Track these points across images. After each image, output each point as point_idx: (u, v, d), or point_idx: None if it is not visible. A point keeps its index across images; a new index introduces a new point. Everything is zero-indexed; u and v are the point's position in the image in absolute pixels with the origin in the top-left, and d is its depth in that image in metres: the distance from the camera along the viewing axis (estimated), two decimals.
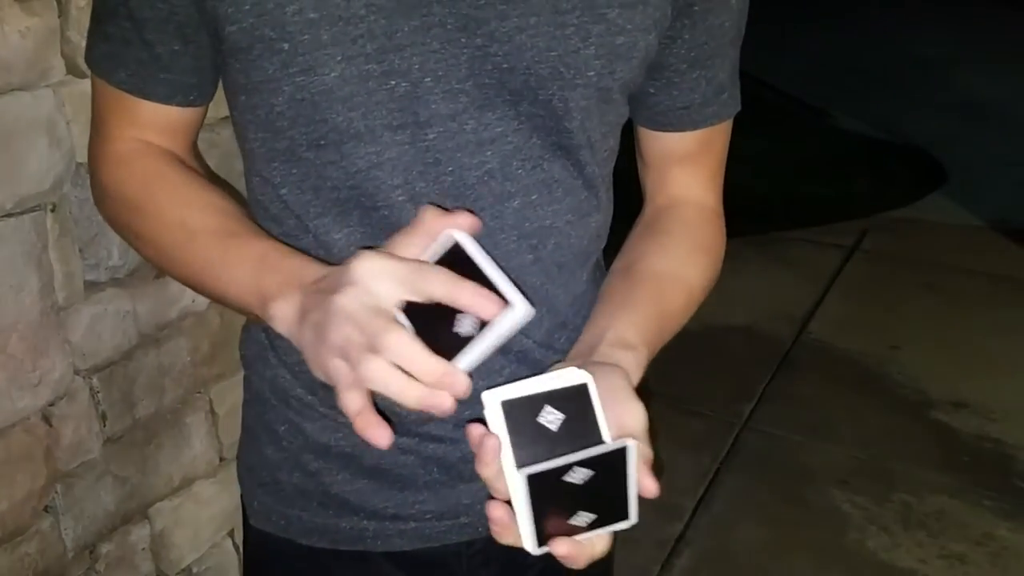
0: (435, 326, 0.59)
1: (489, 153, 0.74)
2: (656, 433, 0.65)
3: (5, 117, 1.08)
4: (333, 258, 0.75)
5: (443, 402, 0.58)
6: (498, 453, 0.60)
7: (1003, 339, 3.17)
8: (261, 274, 0.69)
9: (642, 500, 0.63)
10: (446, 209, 0.64)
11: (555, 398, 0.61)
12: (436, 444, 0.82)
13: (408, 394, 0.58)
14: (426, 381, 0.57)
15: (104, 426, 1.30)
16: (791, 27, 7.03)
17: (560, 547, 0.60)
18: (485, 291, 0.58)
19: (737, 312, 3.33)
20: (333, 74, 0.69)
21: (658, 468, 0.64)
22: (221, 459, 1.51)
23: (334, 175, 0.73)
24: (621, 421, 0.63)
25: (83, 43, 0.81)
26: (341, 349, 0.59)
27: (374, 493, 0.84)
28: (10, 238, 1.12)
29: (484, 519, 0.61)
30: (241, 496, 0.93)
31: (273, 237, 0.75)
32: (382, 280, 0.59)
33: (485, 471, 0.61)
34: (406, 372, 0.57)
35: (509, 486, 0.60)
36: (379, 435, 0.59)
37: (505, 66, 0.71)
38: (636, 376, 0.70)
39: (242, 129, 0.77)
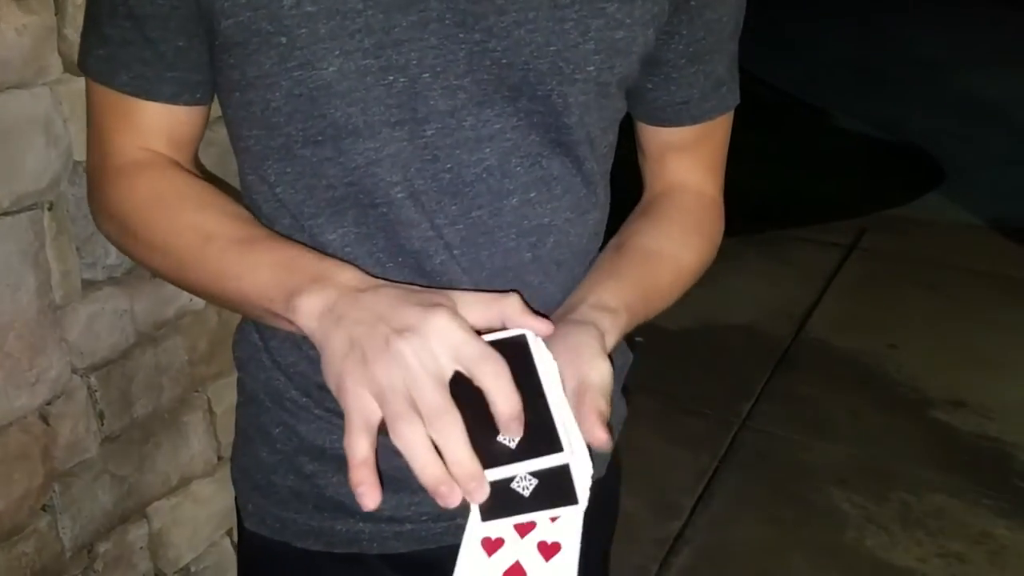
0: (475, 407, 0.58)
1: (488, 150, 0.73)
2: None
3: (2, 115, 1.07)
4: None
5: (454, 499, 0.57)
6: None
7: (1002, 338, 3.17)
8: (290, 272, 0.67)
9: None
10: (526, 305, 0.63)
11: (493, 346, 0.61)
12: None
13: (429, 472, 0.56)
14: (454, 472, 0.57)
15: (102, 425, 1.29)
16: (791, 26, 7.04)
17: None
18: (519, 415, 0.58)
19: (736, 311, 3.34)
20: (331, 68, 0.68)
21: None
22: (219, 458, 1.51)
23: (331, 172, 0.73)
24: (582, 373, 0.62)
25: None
26: (381, 390, 0.57)
27: None
28: (7, 237, 1.11)
29: None
30: (235, 499, 0.93)
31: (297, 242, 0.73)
32: (447, 347, 0.58)
33: None
34: (437, 449, 0.57)
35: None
36: (370, 497, 0.58)
37: (504, 61, 0.71)
38: (612, 337, 0.69)
39: (236, 127, 0.76)
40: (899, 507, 2.40)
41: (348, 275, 0.66)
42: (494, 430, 0.59)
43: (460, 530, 0.90)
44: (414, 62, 0.69)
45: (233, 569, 1.58)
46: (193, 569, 1.52)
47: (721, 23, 0.79)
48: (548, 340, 0.64)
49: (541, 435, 0.59)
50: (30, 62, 1.09)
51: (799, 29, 7.18)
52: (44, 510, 1.24)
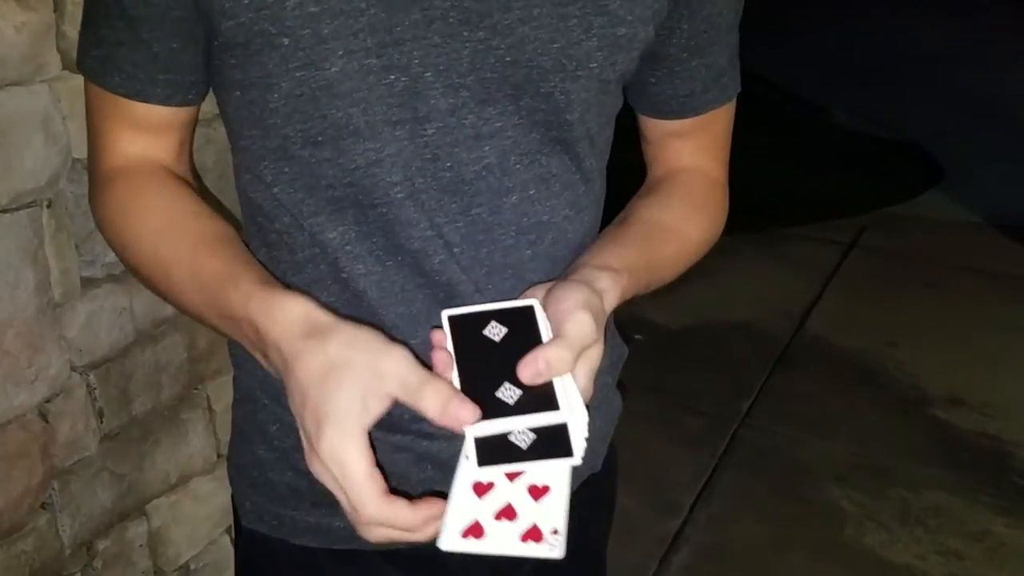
0: (484, 355, 0.62)
1: (487, 148, 0.73)
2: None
3: (0, 113, 1.07)
4: (328, 257, 0.75)
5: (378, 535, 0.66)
6: (448, 367, 0.63)
7: (1001, 336, 3.17)
8: (234, 326, 0.69)
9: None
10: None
11: (501, 315, 0.65)
12: (430, 441, 0.81)
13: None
14: (397, 524, 0.65)
15: (101, 423, 1.29)
16: (790, 23, 7.03)
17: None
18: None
19: (735, 309, 3.34)
20: (334, 69, 0.68)
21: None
22: (218, 456, 1.51)
23: (330, 173, 0.72)
24: (560, 321, 0.63)
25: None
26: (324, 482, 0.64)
27: None
28: (6, 234, 1.11)
29: None
30: (232, 497, 0.93)
31: (265, 246, 0.77)
32: (339, 464, 0.64)
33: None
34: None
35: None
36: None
37: (508, 59, 0.70)
38: (612, 295, 0.70)
39: (235, 126, 0.76)
40: (898, 504, 2.41)
41: (279, 330, 0.65)
42: (497, 383, 0.61)
43: None
44: (416, 61, 0.69)
45: (232, 566, 1.58)
46: (192, 567, 1.52)
47: (720, 16, 0.80)
48: (544, 297, 0.67)
49: (541, 394, 0.62)
50: (29, 59, 1.09)
51: (798, 25, 7.18)
52: (43, 508, 1.24)
